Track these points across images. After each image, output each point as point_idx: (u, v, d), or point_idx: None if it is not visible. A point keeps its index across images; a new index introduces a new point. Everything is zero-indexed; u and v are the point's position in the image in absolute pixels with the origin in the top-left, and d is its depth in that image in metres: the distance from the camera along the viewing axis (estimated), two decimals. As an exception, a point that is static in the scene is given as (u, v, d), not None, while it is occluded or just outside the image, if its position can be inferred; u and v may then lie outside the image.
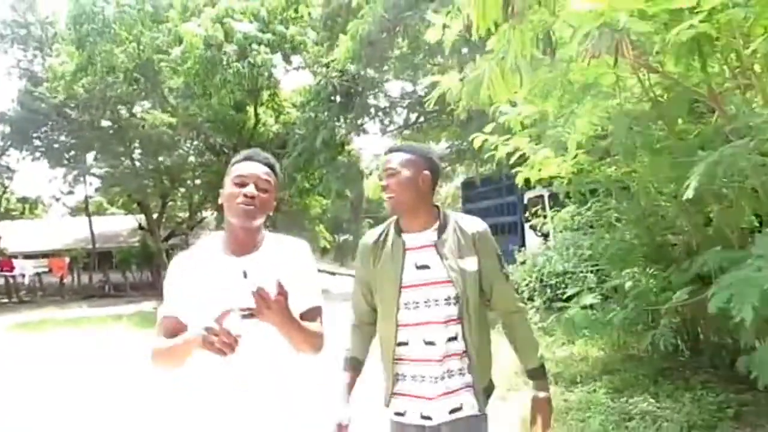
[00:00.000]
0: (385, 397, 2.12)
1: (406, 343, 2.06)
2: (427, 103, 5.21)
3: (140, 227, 27.67)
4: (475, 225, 2.13)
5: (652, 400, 4.52)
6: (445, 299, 2.03)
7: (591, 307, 5.19)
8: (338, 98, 15.32)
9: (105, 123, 23.28)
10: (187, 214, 28.86)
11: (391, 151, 2.16)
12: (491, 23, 3.54)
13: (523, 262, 9.48)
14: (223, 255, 1.88)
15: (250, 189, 1.84)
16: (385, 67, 15.36)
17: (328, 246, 25.41)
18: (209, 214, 28.96)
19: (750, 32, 3.41)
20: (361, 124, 16.94)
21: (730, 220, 4.21)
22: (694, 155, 3.90)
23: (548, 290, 7.92)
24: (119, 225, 30.27)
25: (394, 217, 2.17)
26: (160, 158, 24.04)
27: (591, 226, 7.04)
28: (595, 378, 5.30)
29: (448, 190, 26.08)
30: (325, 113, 15.02)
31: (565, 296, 6.44)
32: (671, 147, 4.63)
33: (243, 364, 1.75)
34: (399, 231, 2.12)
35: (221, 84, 15.10)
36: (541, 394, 2.08)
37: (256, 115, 21.00)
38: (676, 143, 4.59)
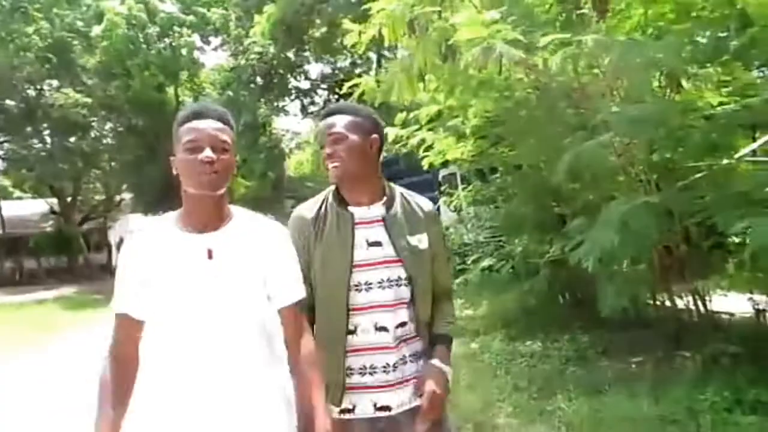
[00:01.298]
0: (333, 395, 1.81)
1: (354, 331, 1.81)
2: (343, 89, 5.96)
3: (52, 211, 26.85)
4: (425, 202, 1.97)
5: (539, 343, 5.50)
6: (396, 280, 1.83)
7: (489, 269, 6.14)
8: (259, 80, 15.70)
9: (11, 102, 22.40)
10: (103, 197, 28.21)
11: (331, 113, 1.90)
12: (399, 36, 4.31)
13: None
14: (181, 232, 1.61)
15: (207, 153, 1.55)
16: (306, 52, 15.85)
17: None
18: (127, 197, 28.45)
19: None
20: (282, 106, 17.40)
21: (592, 194, 5.21)
22: (569, 138, 4.88)
23: (457, 258, 8.89)
24: (29, 209, 29.12)
25: (330, 189, 1.93)
26: (73, 139, 23.42)
27: (493, 201, 8.05)
28: (495, 330, 6.27)
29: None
30: (247, 95, 15.39)
31: (469, 262, 7.43)
32: (552, 133, 5.58)
33: (205, 378, 1.56)
34: (343, 204, 1.87)
35: (144, 65, 15.11)
36: (438, 363, 1.85)
37: (177, 96, 20.94)
38: (555, 130, 5.54)
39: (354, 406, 1.84)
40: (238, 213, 1.69)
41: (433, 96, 5.44)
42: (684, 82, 4.85)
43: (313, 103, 18.00)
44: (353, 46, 5.11)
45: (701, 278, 4.52)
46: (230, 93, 15.59)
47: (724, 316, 5.23)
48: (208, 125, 1.60)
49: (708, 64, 4.75)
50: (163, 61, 15.26)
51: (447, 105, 6.04)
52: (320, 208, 1.90)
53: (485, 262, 6.26)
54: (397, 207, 1.89)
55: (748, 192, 4.02)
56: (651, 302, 5.80)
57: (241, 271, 1.60)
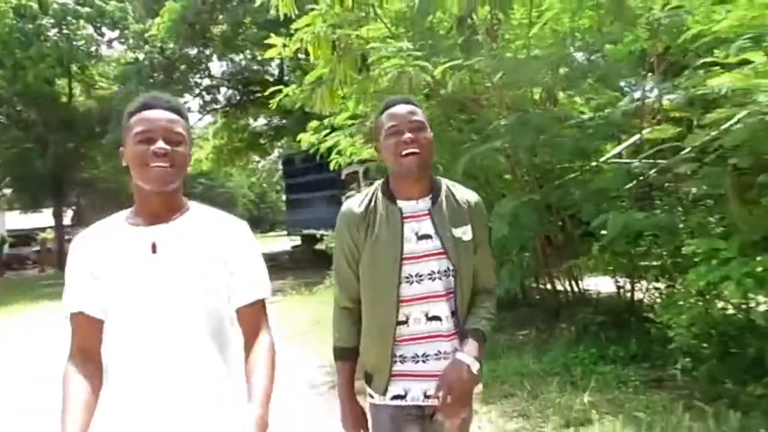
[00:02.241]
0: (378, 383, 1.86)
1: (406, 321, 1.84)
2: (248, 84, 6.51)
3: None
4: (469, 194, 1.95)
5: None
6: (445, 271, 1.84)
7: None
8: (159, 75, 15.57)
9: None
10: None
11: (406, 101, 1.86)
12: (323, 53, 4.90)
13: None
14: (128, 226, 1.54)
15: (160, 145, 1.46)
16: (209, 49, 15.88)
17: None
18: (7, 192, 26.78)
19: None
20: (184, 102, 17.26)
21: (486, 191, 6.04)
22: (467, 143, 5.67)
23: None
24: None
25: (378, 184, 1.92)
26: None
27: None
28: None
29: (264, 165, 26.99)
30: (146, 90, 15.19)
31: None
32: (452, 136, 6.37)
33: (162, 383, 1.49)
34: (392, 198, 1.86)
35: (37, 57, 14.52)
36: (462, 356, 1.78)
37: (70, 89, 20.10)
38: (453, 135, 6.33)
39: (406, 393, 1.85)
40: (194, 208, 1.61)
41: (345, 103, 6.05)
42: (560, 96, 5.81)
43: (215, 100, 18.00)
44: (257, 27, 5.60)
45: (574, 262, 5.42)
46: (130, 87, 15.32)
47: (593, 294, 6.25)
48: (161, 115, 1.50)
49: (580, 82, 5.73)
50: (59, 53, 14.70)
51: (357, 111, 6.68)
52: (369, 202, 1.87)
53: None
54: (443, 199, 1.88)
55: (608, 189, 4.98)
56: (535, 284, 6.74)
57: (187, 266, 1.50)
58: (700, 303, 3.91)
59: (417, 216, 1.85)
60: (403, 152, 1.76)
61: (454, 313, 1.84)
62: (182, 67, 15.66)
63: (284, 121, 17.40)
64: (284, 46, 5.52)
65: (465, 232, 1.87)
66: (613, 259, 4.95)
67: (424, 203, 1.86)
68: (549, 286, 6.38)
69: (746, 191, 3.70)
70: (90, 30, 16.36)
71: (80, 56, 16.10)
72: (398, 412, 1.85)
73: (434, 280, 1.82)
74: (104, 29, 18.21)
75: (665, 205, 4.66)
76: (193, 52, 15.65)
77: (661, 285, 5.07)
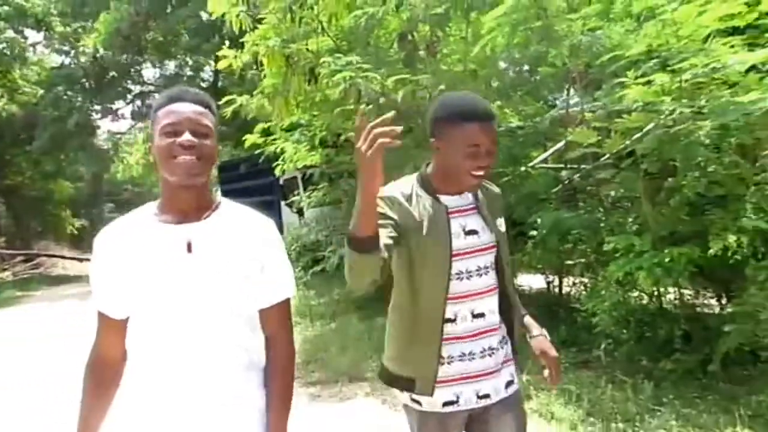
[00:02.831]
0: (423, 386, 1.79)
1: (453, 319, 1.79)
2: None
3: None
4: (493, 186, 1.96)
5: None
6: (489, 266, 1.83)
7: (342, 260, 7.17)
8: (91, 82, 15.25)
9: None
10: None
11: (479, 116, 1.73)
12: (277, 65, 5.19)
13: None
14: (158, 223, 1.50)
15: (187, 137, 1.44)
16: (143, 56, 15.71)
17: (76, 232, 24.30)
18: None
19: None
20: (115, 109, 16.97)
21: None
22: (409, 151, 6.07)
23: (308, 254, 9.80)
24: None
25: (411, 178, 1.86)
26: None
27: (339, 202, 9.11)
28: (350, 312, 7.32)
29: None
30: (78, 96, 14.88)
31: (322, 257, 8.40)
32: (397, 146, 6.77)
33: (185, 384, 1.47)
34: (434, 192, 1.81)
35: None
36: (543, 331, 1.93)
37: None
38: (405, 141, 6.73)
39: (458, 397, 1.80)
40: (224, 204, 1.58)
41: (301, 113, 6.35)
42: (493, 107, 6.31)
43: (149, 106, 17.74)
44: (235, 72, 5.89)
45: (510, 258, 5.89)
46: (58, 93, 14.94)
47: (526, 289, 6.79)
48: (188, 108, 1.48)
49: (511, 94, 6.25)
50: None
51: (303, 119, 6.99)
52: (410, 193, 1.80)
53: (336, 257, 7.28)
54: (480, 193, 1.88)
55: (538, 192, 5.49)
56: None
57: (222, 266, 1.48)
58: (619, 292, 4.43)
59: (463, 211, 1.82)
60: (478, 172, 1.72)
61: (494, 310, 1.84)
62: (114, 73, 15.38)
63: (222, 127, 17.36)
64: (235, 57, 5.78)
65: (501, 224, 1.89)
66: (544, 255, 5.44)
67: (467, 197, 1.84)
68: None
69: (656, 194, 4.27)
70: (10, 33, 15.71)
71: (3, 60, 15.50)
72: (448, 417, 1.80)
73: (480, 276, 1.81)
74: (26, 31, 17.57)
75: (588, 206, 5.21)
76: (127, 59, 15.42)
77: (585, 279, 5.62)
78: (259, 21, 5.84)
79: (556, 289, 6.28)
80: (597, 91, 5.15)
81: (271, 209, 15.66)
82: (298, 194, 11.32)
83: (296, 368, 5.61)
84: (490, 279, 1.83)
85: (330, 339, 6.14)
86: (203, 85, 16.06)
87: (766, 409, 3.23)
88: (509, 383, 1.85)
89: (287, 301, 1.59)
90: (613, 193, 5.11)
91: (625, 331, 4.37)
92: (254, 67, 5.79)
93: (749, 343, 3.53)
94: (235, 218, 1.55)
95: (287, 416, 1.54)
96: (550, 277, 6.47)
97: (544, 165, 6.42)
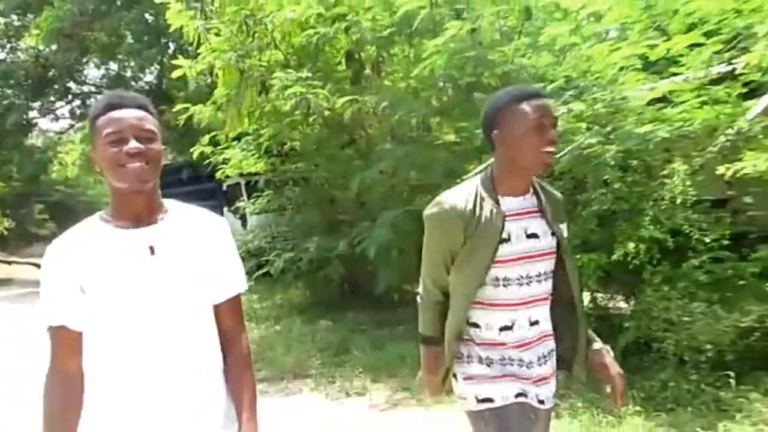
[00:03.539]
0: (475, 390, 1.76)
1: (510, 327, 1.75)
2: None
3: None
4: (554, 190, 1.90)
5: (330, 321, 6.98)
6: (548, 272, 1.78)
7: (288, 264, 7.50)
8: (30, 81, 14.94)
9: None
10: None
11: (540, 96, 1.73)
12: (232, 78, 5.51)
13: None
14: (114, 229, 1.48)
15: (133, 144, 1.43)
16: (86, 57, 15.49)
17: (5, 232, 23.40)
18: None
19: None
20: (55, 109, 16.63)
21: (372, 205, 6.90)
22: (353, 161, 6.49)
23: (253, 260, 10.04)
24: None
25: (476, 179, 1.81)
26: None
27: (283, 209, 9.41)
28: (293, 315, 7.64)
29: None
30: (18, 94, 14.54)
31: (267, 262, 8.68)
32: (340, 155, 7.16)
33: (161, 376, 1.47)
34: (495, 195, 1.75)
35: None
36: (600, 345, 1.85)
37: None
38: (341, 153, 7.14)
39: (525, 392, 1.74)
40: (173, 205, 1.58)
41: (253, 124, 6.67)
42: (433, 123, 6.81)
43: (87, 106, 17.43)
44: (181, 77, 6.15)
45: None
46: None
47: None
48: (129, 114, 1.46)
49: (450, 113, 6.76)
50: None
51: (251, 128, 7.30)
52: (475, 199, 1.74)
53: (281, 261, 7.60)
54: (543, 196, 1.81)
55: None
56: (411, 287, 7.67)
57: (184, 267, 1.50)
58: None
59: (526, 213, 1.77)
60: (548, 149, 1.67)
61: (548, 318, 1.80)
62: (56, 73, 15.10)
63: (166, 132, 17.29)
64: (190, 67, 6.05)
65: (564, 230, 1.84)
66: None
67: (531, 200, 1.79)
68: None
69: (571, 207, 4.83)
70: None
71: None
72: (520, 408, 1.74)
73: (540, 282, 1.76)
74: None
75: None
76: (69, 59, 15.17)
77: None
78: (214, 32, 6.14)
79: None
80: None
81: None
82: (242, 201, 11.52)
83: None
84: (549, 286, 1.79)
85: (275, 340, 6.46)
86: (146, 88, 16.00)
87: (657, 392, 3.79)
88: (554, 395, 1.82)
89: (239, 297, 1.62)
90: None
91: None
92: (207, 77, 6.07)
93: (645, 337, 4.11)
94: (189, 218, 1.57)
95: (256, 406, 1.56)
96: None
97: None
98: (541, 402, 1.77)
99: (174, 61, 6.10)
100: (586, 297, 5.18)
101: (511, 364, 1.76)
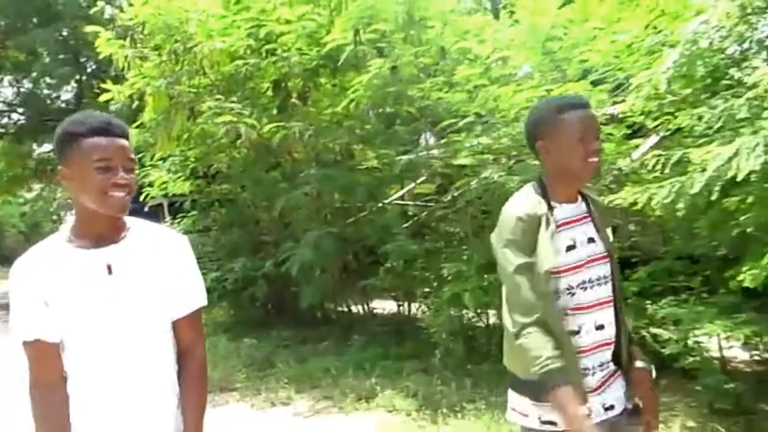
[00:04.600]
0: (539, 411, 1.73)
1: (578, 332, 1.74)
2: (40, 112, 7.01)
3: None
4: (598, 196, 1.91)
5: (255, 339, 7.16)
6: (606, 276, 1.78)
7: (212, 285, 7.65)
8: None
9: None
10: None
11: (582, 106, 1.75)
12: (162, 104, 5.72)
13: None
14: (75, 249, 1.53)
15: (122, 176, 1.48)
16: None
17: None
18: None
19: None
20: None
21: (296, 225, 7.19)
22: (279, 185, 6.78)
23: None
24: None
25: (529, 188, 1.83)
26: None
27: (209, 229, 9.51)
28: (219, 333, 7.76)
29: (62, 196, 25.31)
30: None
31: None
32: (265, 178, 7.42)
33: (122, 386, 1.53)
34: (549, 204, 1.77)
35: None
36: (645, 365, 1.82)
37: None
38: (267, 176, 7.40)
39: (589, 410, 1.66)
40: (135, 224, 1.62)
41: (182, 148, 6.85)
42: (356, 150, 7.22)
43: (2, 125, 16.73)
44: (109, 101, 6.29)
45: (365, 282, 6.73)
46: None
47: (379, 312, 7.69)
48: (117, 143, 1.49)
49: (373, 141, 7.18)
50: None
51: (177, 150, 7.46)
52: (533, 205, 1.75)
53: (207, 280, 7.73)
54: (591, 202, 1.86)
55: (391, 225, 6.42)
56: (333, 306, 7.98)
57: (142, 286, 1.55)
58: (452, 311, 5.41)
59: (580, 219, 1.80)
60: (592, 159, 1.70)
61: (611, 322, 1.78)
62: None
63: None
64: (119, 92, 6.19)
65: (610, 234, 1.86)
66: (394, 280, 6.34)
67: (581, 206, 1.83)
68: (345, 308, 7.69)
69: (480, 230, 5.34)
70: None
71: None
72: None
73: (600, 285, 1.76)
74: None
75: (431, 239, 6.22)
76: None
77: (428, 300, 6.60)
78: (143, 58, 6.32)
79: (406, 311, 7.21)
80: (443, 140, 6.22)
81: (134, 234, 15.59)
82: (166, 221, 11.48)
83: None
84: (609, 289, 1.79)
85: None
86: (63, 106, 15.62)
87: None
88: (626, 395, 1.80)
89: (200, 311, 1.67)
90: (450, 228, 6.17)
91: (456, 342, 5.32)
92: (136, 101, 6.22)
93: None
94: (148, 237, 1.61)
95: (204, 413, 1.64)
96: (401, 301, 7.40)
97: (399, 202, 7.43)
98: (611, 408, 1.75)
99: (102, 85, 6.22)
100: (493, 313, 5.69)
101: (586, 373, 1.73)
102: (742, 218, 3.52)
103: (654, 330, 3.88)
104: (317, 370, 5.52)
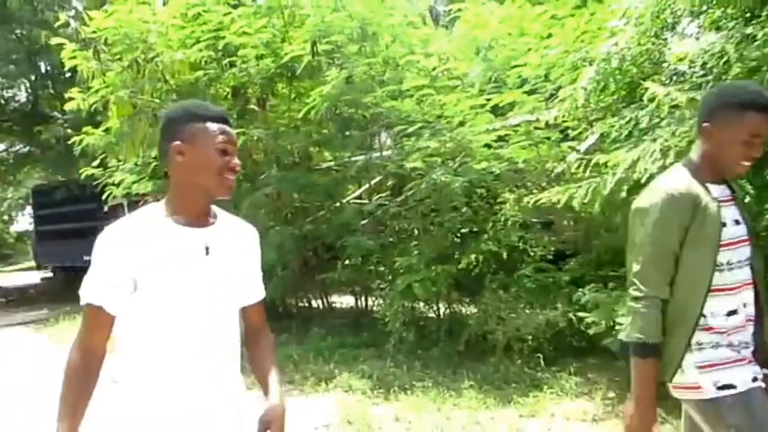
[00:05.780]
0: (714, 377, 1.77)
1: (735, 311, 1.80)
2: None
3: None
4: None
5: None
6: (749, 258, 1.82)
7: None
8: None
9: None
10: None
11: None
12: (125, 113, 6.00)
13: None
14: (174, 225, 1.57)
15: (237, 162, 1.60)
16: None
17: None
18: None
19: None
20: None
21: (258, 225, 7.54)
22: (241, 186, 7.12)
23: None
24: None
25: (682, 166, 1.86)
26: None
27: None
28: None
29: (13, 196, 24.87)
30: None
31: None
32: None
33: (209, 358, 1.59)
34: (702, 181, 1.80)
35: None
36: None
37: None
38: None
39: (731, 382, 1.74)
40: (219, 212, 1.70)
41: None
42: (314, 153, 7.62)
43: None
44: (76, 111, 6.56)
45: (324, 276, 7.12)
46: None
47: (338, 305, 8.10)
48: (233, 132, 1.62)
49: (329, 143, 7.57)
50: None
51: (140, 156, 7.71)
52: (693, 184, 1.78)
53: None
54: (733, 186, 1.90)
55: (349, 223, 6.84)
56: (293, 301, 8.35)
57: (232, 270, 1.64)
58: (405, 302, 5.86)
59: (727, 201, 1.83)
60: (745, 162, 1.77)
61: (752, 302, 1.83)
62: None
63: (31, 149, 16.76)
64: (83, 100, 6.44)
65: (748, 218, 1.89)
66: (351, 274, 6.77)
67: (726, 189, 1.86)
68: (305, 303, 8.07)
69: (429, 227, 5.82)
70: None
71: None
72: (760, 391, 1.77)
73: (743, 267, 1.80)
74: None
75: (386, 235, 6.67)
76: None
77: (383, 293, 7.05)
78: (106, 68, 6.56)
79: (363, 304, 7.64)
80: (398, 144, 6.67)
81: (94, 235, 15.49)
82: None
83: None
84: (749, 272, 1.83)
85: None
86: (17, 107, 15.50)
87: (490, 373, 4.80)
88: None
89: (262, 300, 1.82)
90: (404, 225, 6.64)
91: (408, 331, 5.78)
92: (101, 109, 6.48)
93: (482, 331, 5.13)
94: (233, 225, 1.72)
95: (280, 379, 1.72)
96: (358, 295, 7.83)
97: (356, 201, 7.86)
98: (755, 380, 1.78)
99: (68, 94, 6.45)
100: (445, 303, 6.18)
101: (738, 349, 1.78)
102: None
103: (580, 314, 4.39)
104: (280, 357, 5.72)
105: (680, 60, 3.89)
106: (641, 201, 1.85)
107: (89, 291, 1.55)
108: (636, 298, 1.78)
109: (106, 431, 1.58)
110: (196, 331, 1.57)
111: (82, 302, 1.55)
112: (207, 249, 1.59)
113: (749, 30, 3.48)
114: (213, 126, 1.57)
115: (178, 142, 1.56)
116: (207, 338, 1.59)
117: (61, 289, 15.63)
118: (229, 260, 1.64)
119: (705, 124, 1.80)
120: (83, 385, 1.55)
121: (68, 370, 1.55)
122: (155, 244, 1.53)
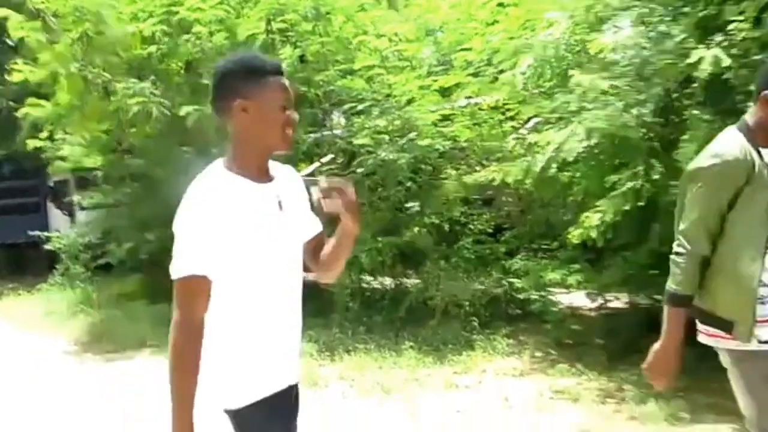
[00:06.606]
0: (743, 330, 1.82)
1: None
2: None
3: None
4: None
5: (167, 305, 7.59)
6: None
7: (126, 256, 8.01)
8: None
9: None
10: None
11: None
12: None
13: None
14: (250, 183, 1.57)
15: (296, 116, 1.60)
16: None
17: None
18: None
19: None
20: None
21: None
22: (192, 161, 7.22)
23: (89, 252, 10.12)
24: None
25: (735, 130, 1.92)
26: None
27: (120, 204, 9.70)
28: (135, 300, 8.15)
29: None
30: None
31: (103, 254, 8.98)
32: (179, 153, 7.81)
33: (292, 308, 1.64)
34: (756, 146, 1.87)
35: None
36: None
37: None
38: (182, 151, 7.79)
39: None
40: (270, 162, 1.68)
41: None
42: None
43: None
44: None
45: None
46: None
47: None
48: (291, 86, 1.61)
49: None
50: None
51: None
52: (746, 148, 1.84)
53: (122, 251, 8.08)
54: None
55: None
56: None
57: (299, 220, 1.68)
58: (352, 275, 6.11)
59: None
60: None
61: None
62: None
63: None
64: (31, 72, 6.42)
65: None
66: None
67: None
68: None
69: (374, 201, 6.10)
70: None
71: None
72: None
73: None
74: None
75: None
76: None
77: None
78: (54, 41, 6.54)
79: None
80: (347, 122, 6.91)
81: (37, 211, 15.18)
82: (73, 197, 11.48)
83: (90, 343, 6.44)
84: None
85: (118, 321, 7.05)
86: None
87: (429, 336, 5.14)
88: None
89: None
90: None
91: (354, 301, 6.05)
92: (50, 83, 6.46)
93: (424, 298, 5.47)
94: (284, 173, 1.71)
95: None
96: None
97: (308, 177, 8.04)
98: None
99: (12, 66, 6.41)
100: (390, 276, 6.48)
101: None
102: (575, 189, 4.48)
103: (511, 280, 4.78)
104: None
105: (600, 51, 4.22)
106: (696, 162, 1.93)
107: (190, 262, 1.48)
108: (678, 253, 1.89)
109: (216, 386, 1.55)
110: (281, 282, 1.59)
111: (181, 275, 1.47)
112: (280, 204, 1.61)
113: (662, 27, 3.85)
114: (275, 80, 1.56)
115: (240, 100, 1.53)
116: (290, 287, 1.62)
117: (4, 266, 15.30)
118: (296, 210, 1.67)
119: (765, 92, 1.85)
120: (197, 360, 1.47)
121: (183, 354, 1.47)
122: (239, 204, 1.52)
